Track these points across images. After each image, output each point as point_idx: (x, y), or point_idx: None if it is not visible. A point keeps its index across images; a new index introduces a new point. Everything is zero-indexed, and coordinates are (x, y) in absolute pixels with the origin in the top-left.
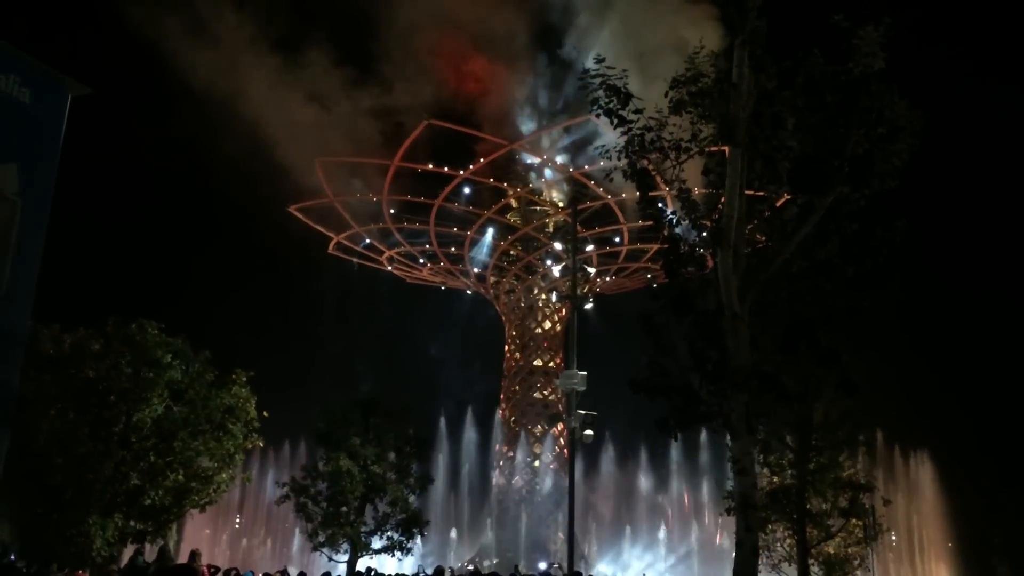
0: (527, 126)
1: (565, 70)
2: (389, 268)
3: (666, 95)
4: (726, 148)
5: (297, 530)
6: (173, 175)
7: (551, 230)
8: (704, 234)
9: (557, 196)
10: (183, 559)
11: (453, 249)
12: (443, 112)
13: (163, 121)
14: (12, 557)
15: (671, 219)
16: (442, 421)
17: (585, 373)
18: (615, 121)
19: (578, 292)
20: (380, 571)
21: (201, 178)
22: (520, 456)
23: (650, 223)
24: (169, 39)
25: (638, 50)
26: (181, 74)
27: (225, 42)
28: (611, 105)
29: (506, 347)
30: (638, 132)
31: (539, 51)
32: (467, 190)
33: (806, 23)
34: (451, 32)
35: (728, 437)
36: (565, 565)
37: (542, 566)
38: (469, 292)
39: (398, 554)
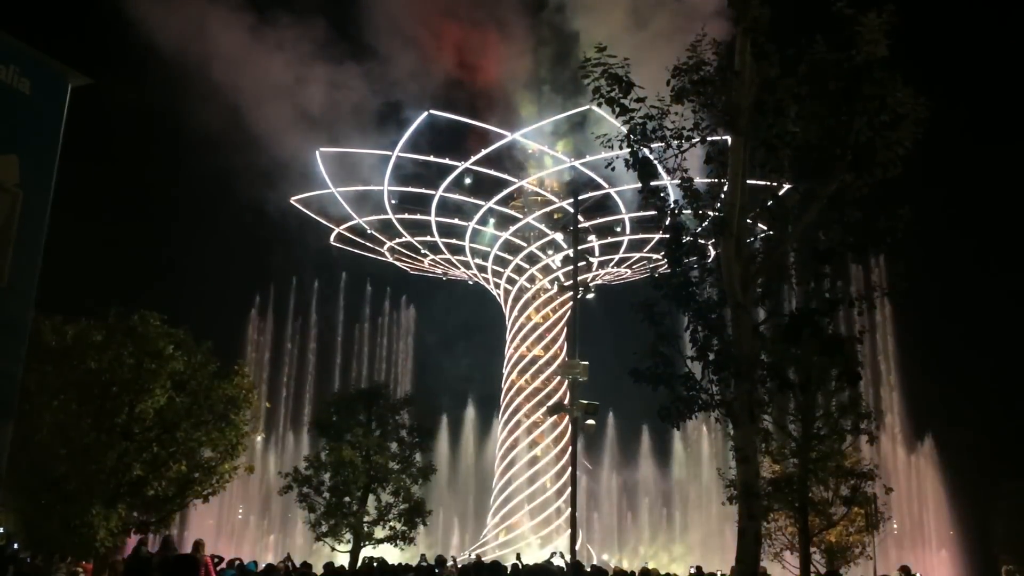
0: (526, 107)
1: (561, 40)
2: (390, 259)
3: (668, 83)
4: (728, 136)
5: (300, 520)
6: (176, 167)
7: (552, 219)
8: (706, 223)
9: (558, 185)
10: (187, 549)
11: (454, 239)
12: (436, 88)
13: (151, 101)
14: (16, 547)
15: (673, 208)
16: (444, 411)
17: (587, 363)
18: (616, 110)
19: (579, 282)
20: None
21: (206, 169)
22: (522, 446)
23: (652, 212)
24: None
25: (633, 5)
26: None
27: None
28: (612, 94)
29: (508, 337)
30: (640, 121)
31: (533, 20)
32: (468, 180)
33: (809, 10)
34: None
35: (730, 426)
36: (567, 554)
37: (544, 555)
38: (471, 282)
39: (401, 544)
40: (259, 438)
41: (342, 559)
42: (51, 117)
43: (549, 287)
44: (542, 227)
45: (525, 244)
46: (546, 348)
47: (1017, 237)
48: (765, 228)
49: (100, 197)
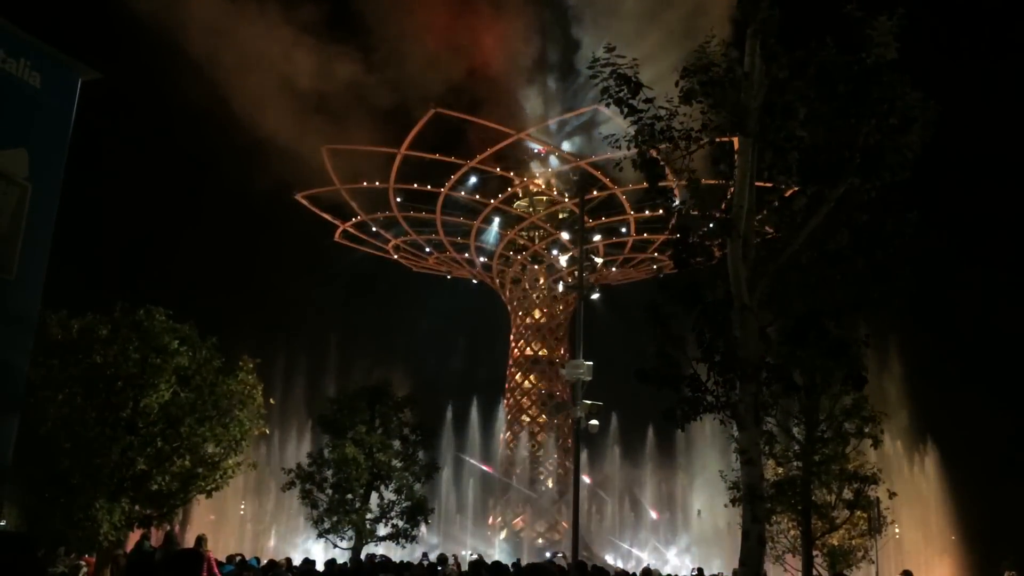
0: (532, 100)
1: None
2: (395, 257)
3: (676, 84)
4: (736, 138)
5: (302, 517)
6: (176, 159)
7: (558, 219)
8: (713, 224)
9: (564, 185)
10: (189, 544)
11: (459, 238)
12: (440, 82)
13: (162, 92)
14: None
15: (680, 209)
16: (448, 410)
17: (591, 363)
18: (625, 110)
19: (584, 282)
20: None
21: (211, 164)
22: (524, 445)
23: (657, 213)
24: None
25: None
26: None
27: None
28: (621, 94)
29: (512, 336)
30: (648, 121)
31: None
32: (473, 179)
33: (819, 12)
34: None
35: (735, 427)
36: (569, 555)
37: (546, 555)
38: (475, 281)
39: (403, 541)
40: (265, 431)
41: (344, 556)
42: (61, 111)
43: (554, 287)
44: (547, 226)
45: (530, 243)
46: (550, 348)
47: None
48: (772, 230)
49: (104, 191)
